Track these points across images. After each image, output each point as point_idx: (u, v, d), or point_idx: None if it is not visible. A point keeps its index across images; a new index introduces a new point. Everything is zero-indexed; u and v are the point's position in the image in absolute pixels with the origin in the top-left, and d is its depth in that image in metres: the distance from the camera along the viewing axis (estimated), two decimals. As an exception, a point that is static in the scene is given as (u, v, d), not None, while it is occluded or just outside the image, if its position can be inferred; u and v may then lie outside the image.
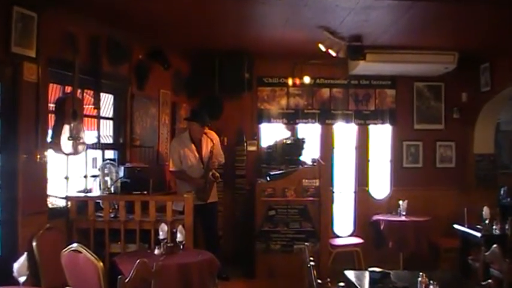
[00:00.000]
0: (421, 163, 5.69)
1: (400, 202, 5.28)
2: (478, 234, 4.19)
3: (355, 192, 5.72)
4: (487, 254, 3.14)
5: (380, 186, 5.76)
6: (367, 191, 5.69)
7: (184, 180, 4.43)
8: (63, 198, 3.52)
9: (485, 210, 4.41)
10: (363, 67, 5.03)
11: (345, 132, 5.80)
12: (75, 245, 2.59)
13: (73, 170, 3.71)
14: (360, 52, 4.56)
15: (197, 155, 4.44)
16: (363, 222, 5.53)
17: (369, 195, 5.69)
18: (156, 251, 3.15)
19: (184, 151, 4.42)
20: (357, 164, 5.72)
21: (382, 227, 5.17)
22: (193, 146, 4.44)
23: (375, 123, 5.70)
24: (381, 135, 5.77)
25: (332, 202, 5.42)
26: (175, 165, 4.44)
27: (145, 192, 3.75)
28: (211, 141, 4.42)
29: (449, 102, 5.72)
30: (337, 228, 5.63)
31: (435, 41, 4.58)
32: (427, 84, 5.68)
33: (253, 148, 5.60)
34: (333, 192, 5.52)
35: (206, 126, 4.44)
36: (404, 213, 5.21)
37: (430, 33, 4.32)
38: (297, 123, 5.66)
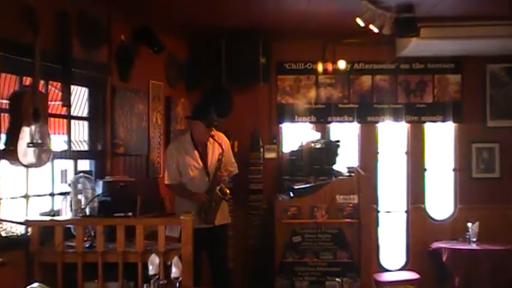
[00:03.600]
0: (497, 172, 5.60)
1: (469, 225, 5.22)
2: None
3: (407, 211, 5.72)
4: None
5: (441, 204, 5.76)
6: (423, 209, 5.64)
7: (184, 196, 4.35)
8: (21, 223, 3.45)
9: None
10: (415, 46, 4.96)
11: (392, 132, 5.76)
12: (35, 285, 2.52)
13: (35, 186, 3.64)
14: (412, 26, 4.45)
15: (201, 163, 4.34)
16: (419, 252, 5.49)
17: (426, 216, 5.63)
18: (144, 291, 3.13)
19: (185, 159, 4.33)
20: (410, 175, 5.70)
21: (444, 258, 5.11)
22: (196, 152, 4.35)
23: (433, 120, 5.65)
24: (442, 135, 5.76)
25: (376, 225, 5.49)
26: (173, 177, 4.36)
27: (130, 214, 3.71)
28: (219, 146, 4.30)
29: (538, 88, 5.64)
30: (383, 260, 5.63)
31: (515, 6, 4.40)
32: (506, 66, 5.59)
33: (272, 155, 5.59)
34: (378, 211, 5.58)
35: (213, 126, 4.28)
36: (475, 239, 5.15)
37: (507, -3, 4.16)
38: (329, 122, 5.68)
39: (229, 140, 5.19)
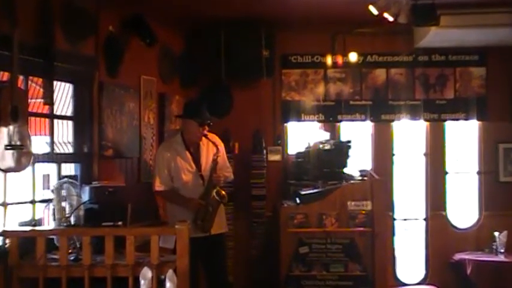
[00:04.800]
0: (527, 175, 5.60)
1: (496, 234, 5.22)
2: None
3: (426, 219, 5.70)
4: None
5: (464, 211, 5.78)
6: (444, 217, 5.65)
7: (177, 203, 4.32)
8: (-2, 234, 3.47)
9: None
10: (435, 36, 4.97)
11: (409, 131, 5.77)
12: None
13: (14, 192, 3.66)
14: (431, 14, 4.41)
15: (194, 166, 4.31)
16: (440, 264, 5.49)
17: (447, 224, 5.65)
18: (135, 309, 3.12)
19: (176, 161, 4.31)
20: (429, 178, 5.68)
21: (468, 271, 5.11)
22: (188, 154, 4.32)
23: (455, 118, 5.66)
24: (464, 135, 5.75)
25: (392, 234, 5.49)
26: (165, 182, 4.33)
27: (120, 223, 3.70)
28: (213, 145, 4.26)
29: None
30: (400, 273, 5.63)
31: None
32: (537, 57, 5.67)
33: (276, 157, 5.59)
34: (394, 219, 5.57)
35: (207, 125, 4.25)
36: (502, 250, 5.16)
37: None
38: (339, 121, 5.69)
39: (229, 141, 5.19)
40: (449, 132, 5.65)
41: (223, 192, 4.29)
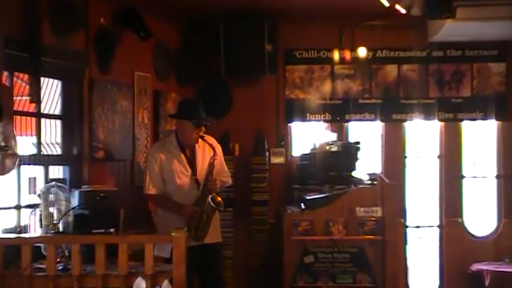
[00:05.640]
0: (551, 179, 5.66)
1: None
2: None
3: (440, 226, 5.70)
4: None
5: (482, 217, 5.87)
6: (460, 224, 5.65)
7: (170, 209, 4.31)
8: (-19, 241, 3.45)
9: None
10: (451, 29, 4.98)
11: (423, 132, 5.79)
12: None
13: None
14: (446, 6, 4.50)
15: (189, 169, 4.30)
16: (456, 275, 5.52)
17: (464, 232, 5.65)
18: (128, 323, 3.14)
19: (170, 164, 4.30)
20: (444, 183, 5.69)
21: (487, 283, 5.14)
22: (183, 156, 4.31)
23: (472, 118, 5.68)
24: (482, 136, 5.80)
25: (404, 242, 5.47)
26: (157, 186, 4.33)
27: (112, 230, 3.74)
28: (210, 147, 4.25)
29: None
30: (413, 284, 5.63)
31: None
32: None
33: (279, 160, 5.60)
34: (406, 226, 5.57)
35: (203, 126, 4.26)
36: None
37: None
38: (347, 121, 5.70)
39: (229, 143, 5.18)
40: (466, 133, 5.67)
41: (219, 198, 4.28)
